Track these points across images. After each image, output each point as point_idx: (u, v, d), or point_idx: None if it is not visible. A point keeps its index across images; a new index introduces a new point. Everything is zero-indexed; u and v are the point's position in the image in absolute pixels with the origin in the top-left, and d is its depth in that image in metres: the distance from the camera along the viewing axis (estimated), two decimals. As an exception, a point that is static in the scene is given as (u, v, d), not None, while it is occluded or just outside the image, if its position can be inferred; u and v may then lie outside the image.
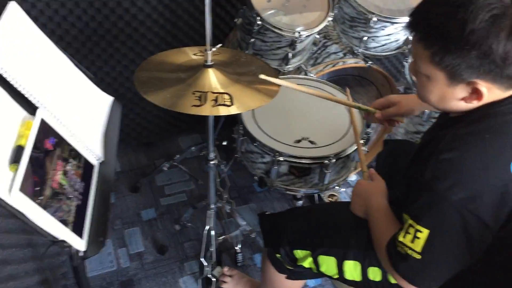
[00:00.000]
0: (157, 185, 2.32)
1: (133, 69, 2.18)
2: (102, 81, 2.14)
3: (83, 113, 1.26)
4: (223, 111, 1.31)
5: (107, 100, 1.39)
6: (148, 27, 2.06)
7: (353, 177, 2.30)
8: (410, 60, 1.89)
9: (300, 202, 1.96)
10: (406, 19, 1.90)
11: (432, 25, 0.94)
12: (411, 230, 0.99)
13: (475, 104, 0.98)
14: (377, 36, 1.96)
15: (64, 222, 1.00)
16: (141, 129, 2.42)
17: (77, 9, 1.89)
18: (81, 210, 1.08)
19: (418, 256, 0.99)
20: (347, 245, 1.28)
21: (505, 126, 0.97)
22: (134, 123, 2.38)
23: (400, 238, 1.02)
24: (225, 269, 1.88)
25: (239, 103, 1.33)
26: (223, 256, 2.00)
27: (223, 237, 1.91)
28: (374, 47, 2.02)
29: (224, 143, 2.22)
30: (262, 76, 1.32)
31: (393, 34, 1.95)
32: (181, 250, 2.04)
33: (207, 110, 1.31)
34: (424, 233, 0.98)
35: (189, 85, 1.37)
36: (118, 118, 1.32)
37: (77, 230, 1.04)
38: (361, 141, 1.52)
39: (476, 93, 0.96)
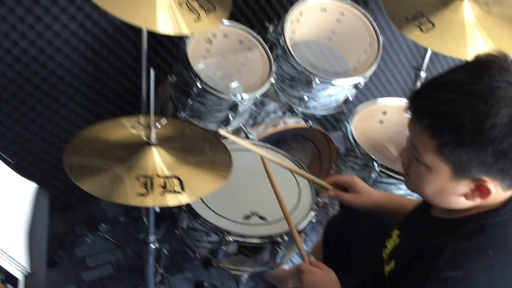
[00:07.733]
0: (77, 257, 2.05)
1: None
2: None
3: (1, 211, 1.03)
4: (172, 200, 1.15)
5: (29, 188, 1.15)
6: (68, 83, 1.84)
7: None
8: (351, 126, 1.80)
9: (245, 277, 1.81)
10: (347, 81, 1.91)
11: (444, 113, 0.85)
12: None
13: (477, 202, 0.91)
14: (318, 96, 1.91)
15: None
16: (57, 191, 2.14)
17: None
18: None
19: None
20: None
21: (506, 241, 0.90)
22: (49, 185, 2.10)
23: None
24: None
25: (190, 189, 1.18)
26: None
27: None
28: (314, 106, 1.96)
29: (157, 209, 2.02)
30: (222, 132, 1.19)
31: (334, 95, 1.91)
32: (109, 335, 1.80)
33: (154, 200, 1.14)
34: None
35: (130, 167, 1.19)
36: (45, 212, 1.10)
37: None
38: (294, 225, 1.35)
39: (480, 191, 0.90)
